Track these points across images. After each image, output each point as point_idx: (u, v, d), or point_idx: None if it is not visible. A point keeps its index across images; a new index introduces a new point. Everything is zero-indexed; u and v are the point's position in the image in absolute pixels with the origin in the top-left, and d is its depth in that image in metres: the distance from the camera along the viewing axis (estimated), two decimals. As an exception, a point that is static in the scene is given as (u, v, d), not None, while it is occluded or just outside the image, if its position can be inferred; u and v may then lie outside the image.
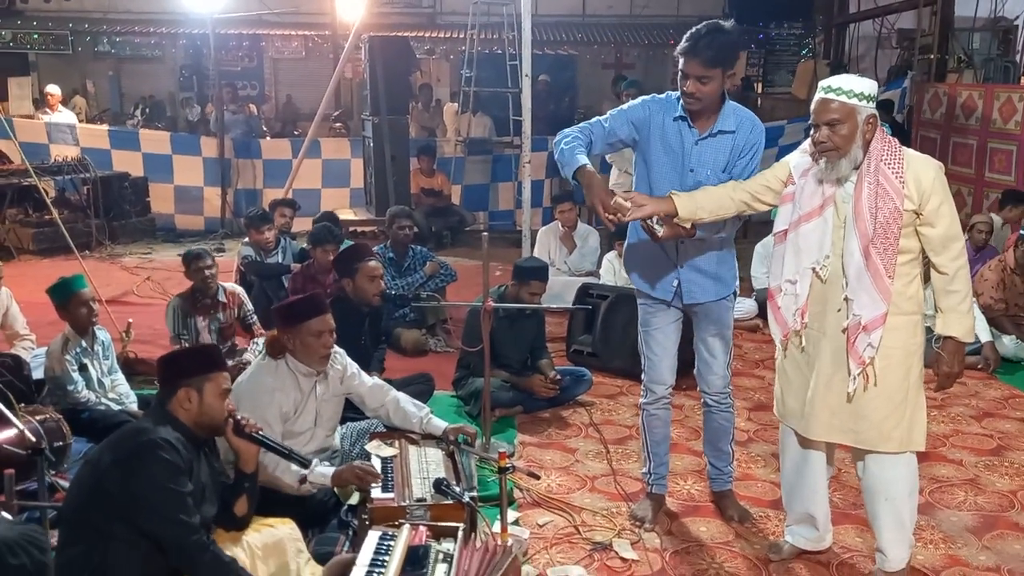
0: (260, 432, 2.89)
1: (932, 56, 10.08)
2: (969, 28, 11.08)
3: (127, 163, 9.76)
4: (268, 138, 11.99)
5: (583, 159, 3.19)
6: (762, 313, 6.38)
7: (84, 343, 4.26)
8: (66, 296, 4.24)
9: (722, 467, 3.65)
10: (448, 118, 12.45)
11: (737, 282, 3.57)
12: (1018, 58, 10.35)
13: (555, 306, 5.55)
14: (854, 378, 2.88)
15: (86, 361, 4.27)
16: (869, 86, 2.82)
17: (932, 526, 3.55)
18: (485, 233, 4.17)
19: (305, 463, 3.03)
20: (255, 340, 5.22)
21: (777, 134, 10.32)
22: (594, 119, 3.44)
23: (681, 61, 3.15)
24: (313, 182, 9.79)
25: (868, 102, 2.80)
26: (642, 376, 3.59)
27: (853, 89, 2.80)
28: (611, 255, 6.43)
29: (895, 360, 2.88)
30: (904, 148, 2.87)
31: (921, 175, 2.80)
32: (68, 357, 4.15)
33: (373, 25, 11.52)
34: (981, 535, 3.49)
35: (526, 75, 6.26)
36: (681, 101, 3.23)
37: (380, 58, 8.75)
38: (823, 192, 2.91)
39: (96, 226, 8.93)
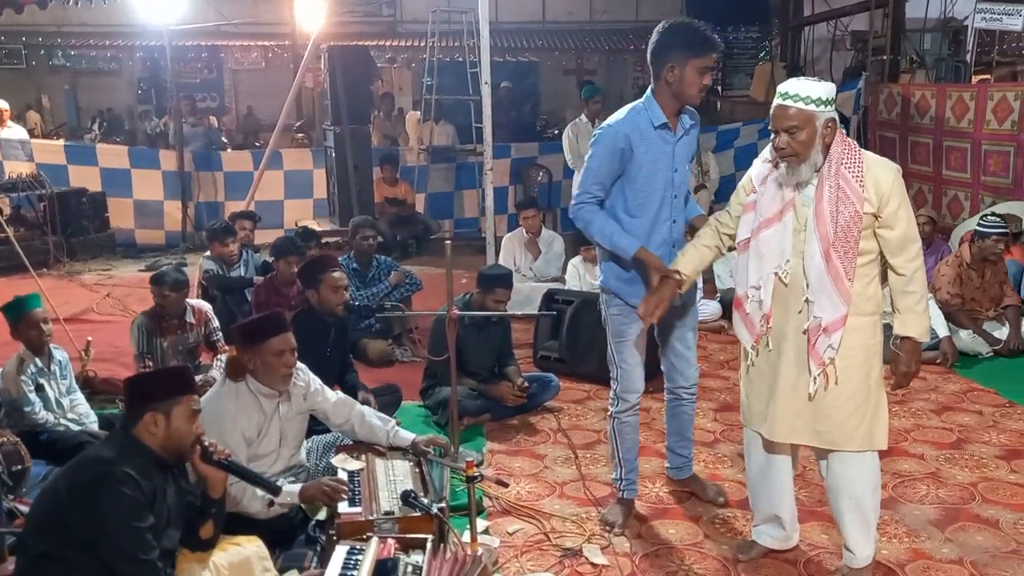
0: (229, 458, 2.83)
1: (885, 57, 10.27)
2: (920, 29, 11.31)
3: (84, 178, 9.60)
4: (229, 150, 11.87)
5: (631, 239, 3.28)
6: (727, 314, 6.45)
7: (40, 363, 4.18)
8: (18, 316, 4.16)
9: (687, 454, 3.80)
10: (411, 126, 12.44)
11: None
12: (968, 58, 10.56)
13: (521, 312, 5.55)
14: (815, 379, 2.92)
15: (42, 381, 4.19)
16: (826, 90, 2.85)
17: (896, 520, 3.60)
18: (448, 241, 4.16)
19: (275, 490, 2.98)
20: (219, 357, 5.15)
21: (733, 136, 10.47)
22: (584, 174, 3.45)
23: (700, 61, 3.21)
24: (275, 194, 9.72)
25: (826, 107, 2.83)
26: (613, 385, 3.59)
27: (811, 95, 2.81)
28: (576, 260, 6.46)
29: (856, 360, 2.92)
30: (863, 151, 2.92)
31: (880, 178, 2.85)
32: (24, 378, 4.07)
33: (333, 35, 11.48)
34: (944, 528, 3.55)
35: (485, 82, 6.28)
36: (651, 110, 3.31)
37: (340, 67, 8.72)
38: (783, 197, 2.94)
39: (53, 243, 8.78)
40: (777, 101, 2.88)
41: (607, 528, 3.53)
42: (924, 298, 2.95)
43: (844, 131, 2.98)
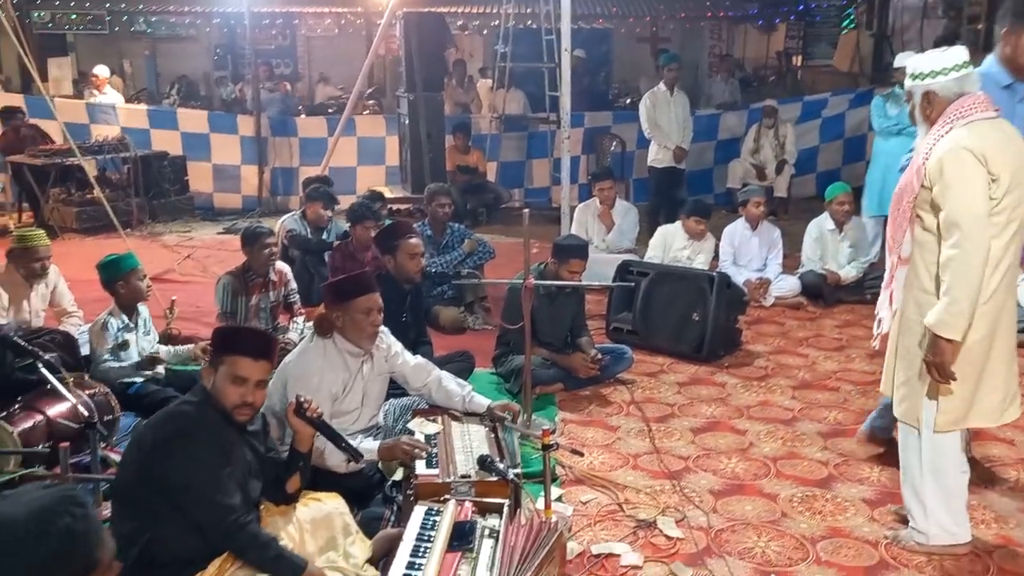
0: (319, 416, 2.88)
1: (980, 26, 9.79)
2: (1019, -4, 10.74)
3: (166, 142, 9.85)
4: (303, 116, 12.02)
5: None
6: (805, 291, 6.31)
7: (126, 319, 4.31)
8: (117, 273, 4.28)
9: None
10: (483, 94, 12.37)
11: None
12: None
13: (596, 283, 5.51)
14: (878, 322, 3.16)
15: (127, 337, 4.32)
16: (921, 64, 2.90)
17: (984, 506, 3.47)
18: (526, 211, 4.14)
19: (358, 456, 3.02)
20: (295, 319, 5.25)
21: (820, 106, 10.15)
22: None
23: None
24: (349, 160, 9.81)
25: (921, 80, 2.89)
26: None
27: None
28: (670, 228, 6.34)
29: (913, 334, 2.98)
30: (956, 129, 2.83)
31: (942, 157, 2.80)
32: (106, 334, 4.20)
33: (407, 1, 11.45)
34: (1034, 516, 3.42)
35: (565, 49, 6.19)
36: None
37: (415, 34, 8.72)
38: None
39: (137, 205, 9.04)
40: None
41: None
42: (952, 289, 2.78)
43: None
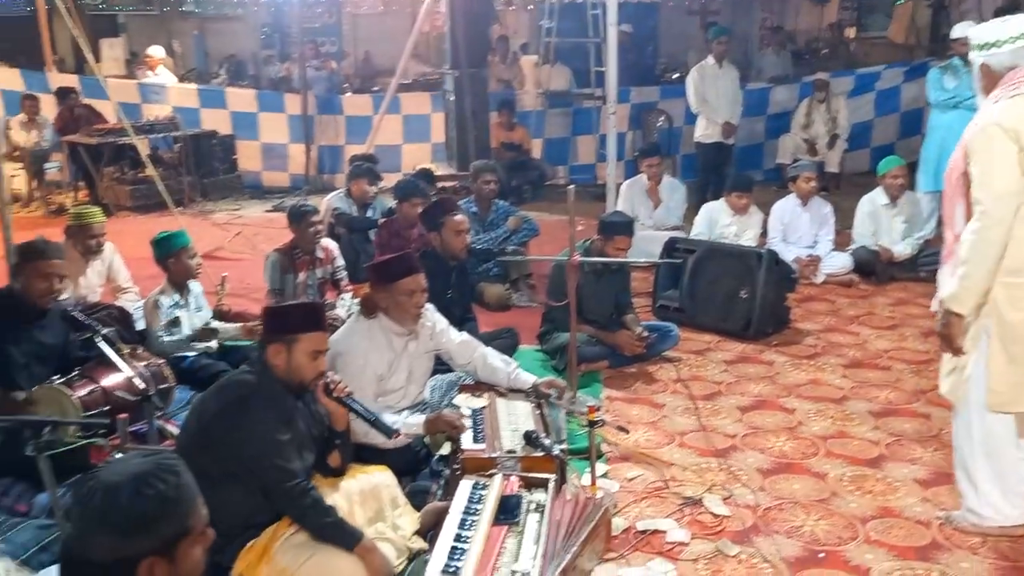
0: (349, 396, 2.91)
1: (1044, -6, 9.42)
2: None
3: (215, 121, 9.98)
4: (349, 94, 12.08)
5: None
6: (857, 268, 6.19)
7: (177, 296, 4.40)
8: (169, 250, 4.37)
9: None
10: (527, 70, 12.29)
11: None
12: None
13: (642, 260, 5.46)
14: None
15: (179, 313, 4.40)
16: (980, 35, 2.87)
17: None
18: (571, 187, 4.12)
19: (389, 432, 3.04)
20: (342, 296, 5.31)
21: (873, 79, 9.89)
22: None
23: None
24: (394, 138, 9.84)
25: (979, 51, 2.88)
26: None
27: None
28: (715, 205, 6.25)
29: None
30: (998, 104, 2.77)
31: (975, 132, 2.78)
32: (159, 311, 4.29)
33: (452, -23, 11.40)
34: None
35: (611, 24, 6.11)
36: None
37: (461, 10, 8.68)
38: None
39: (188, 183, 9.19)
40: None
41: None
42: (966, 263, 2.77)
43: None
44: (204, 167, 9.51)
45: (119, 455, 2.62)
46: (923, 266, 6.05)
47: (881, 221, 6.24)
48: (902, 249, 6.19)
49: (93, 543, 1.58)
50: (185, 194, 9.09)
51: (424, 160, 9.60)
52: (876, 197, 6.27)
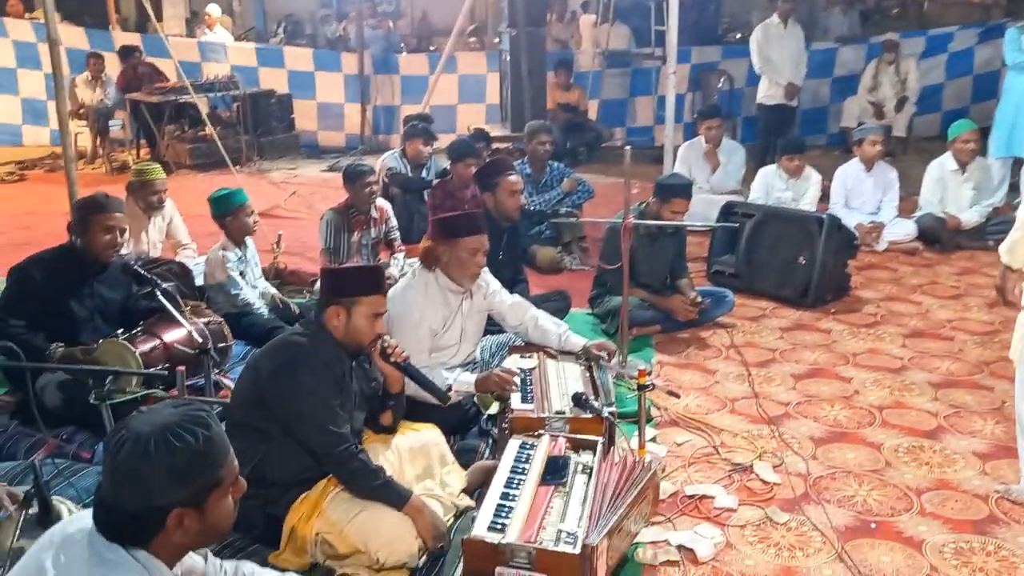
0: (405, 360, 2.92)
1: None
2: None
3: (273, 80, 10.06)
4: (404, 54, 12.05)
5: None
6: (922, 236, 6.01)
7: (239, 252, 4.47)
8: (228, 207, 4.44)
9: None
10: (585, 30, 12.10)
11: None
12: None
13: (699, 224, 5.37)
14: None
15: (242, 268, 4.49)
16: None
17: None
18: (628, 148, 4.05)
19: (444, 398, 3.06)
20: (395, 256, 5.34)
21: (946, 41, 9.50)
22: None
23: None
24: (449, 98, 9.81)
25: None
26: None
27: None
28: (769, 170, 6.12)
29: None
30: None
31: None
32: (228, 264, 4.37)
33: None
34: None
35: (673, -20, 5.96)
36: None
37: (518, -32, 8.54)
38: None
39: (245, 142, 9.30)
40: None
41: None
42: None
43: None
44: (262, 126, 9.60)
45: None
46: (991, 235, 5.83)
47: (949, 187, 6.02)
48: (969, 217, 5.97)
49: (124, 491, 1.61)
50: (243, 153, 9.21)
51: (479, 121, 9.56)
52: (945, 162, 6.04)
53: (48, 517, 2.35)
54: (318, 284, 4.10)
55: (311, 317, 2.92)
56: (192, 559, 1.89)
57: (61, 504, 2.47)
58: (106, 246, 3.63)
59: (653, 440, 3.48)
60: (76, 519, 1.75)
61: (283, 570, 2.29)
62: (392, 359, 2.88)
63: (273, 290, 4.66)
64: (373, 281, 2.82)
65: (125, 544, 1.63)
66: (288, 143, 9.95)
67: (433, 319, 3.40)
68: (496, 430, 3.43)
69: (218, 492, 1.68)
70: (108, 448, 1.64)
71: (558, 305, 4.59)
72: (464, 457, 3.23)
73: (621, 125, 9.90)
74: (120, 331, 3.54)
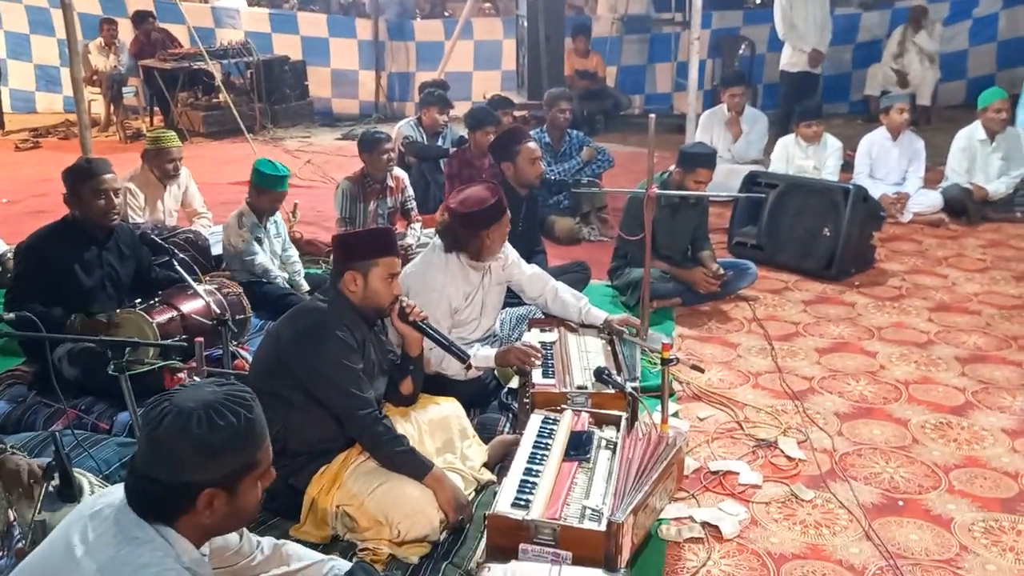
0: (425, 320, 2.89)
1: None
2: None
3: (286, 46, 9.96)
4: (418, 19, 11.89)
5: None
6: (948, 207, 5.90)
7: (256, 219, 4.42)
8: (273, 186, 4.35)
9: None
10: (603, -6, 11.88)
11: None
12: None
13: (724, 194, 5.27)
14: None
15: (260, 236, 4.43)
16: None
17: None
18: (652, 116, 3.96)
19: (464, 356, 3.01)
20: (412, 225, 5.28)
21: (971, 5, 9.27)
22: None
23: None
24: (465, 65, 9.68)
25: None
26: None
27: None
28: (788, 139, 6.02)
29: None
30: None
31: None
32: (243, 230, 4.33)
33: None
34: None
35: (695, -58, 5.80)
36: None
37: (535, -70, 8.37)
38: None
39: (259, 109, 9.22)
40: None
41: None
42: None
43: None
44: (275, 93, 9.52)
45: (194, 380, 2.67)
46: (1019, 206, 5.72)
47: (976, 157, 5.90)
48: (997, 187, 5.85)
49: (159, 464, 1.60)
50: (256, 121, 9.13)
51: (494, 88, 9.43)
52: (973, 132, 5.91)
53: (70, 490, 2.34)
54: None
55: (328, 285, 2.88)
56: (227, 536, 1.88)
57: (82, 476, 2.45)
58: (103, 211, 3.54)
59: (675, 415, 3.43)
60: (105, 494, 1.74)
61: (315, 546, 2.27)
62: (411, 318, 2.84)
63: (299, 265, 4.61)
64: (386, 243, 2.80)
65: (153, 520, 1.62)
66: (302, 110, 9.86)
67: (454, 296, 3.34)
68: (516, 404, 3.39)
69: (251, 477, 1.67)
70: (147, 420, 1.62)
71: (577, 277, 4.53)
72: (484, 431, 3.20)
73: (639, 92, 9.76)
74: (138, 301, 3.51)
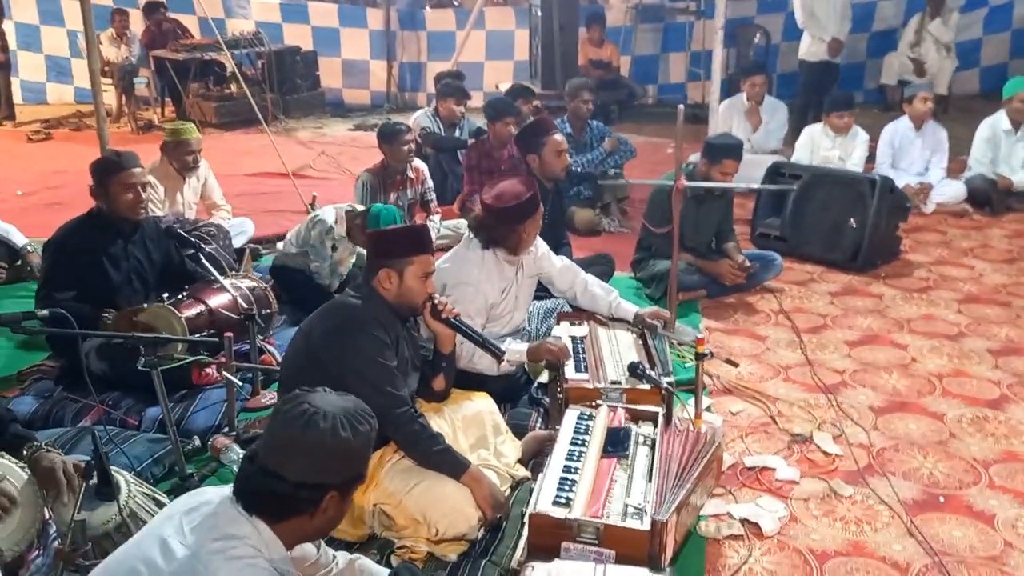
0: (457, 317, 2.86)
1: None
2: None
3: (297, 36, 9.88)
4: (429, 8, 11.80)
5: None
6: (971, 197, 5.84)
7: (342, 233, 4.29)
8: (375, 223, 3.86)
9: None
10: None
11: None
12: None
13: (752, 186, 5.21)
14: None
15: (334, 243, 4.32)
16: None
17: None
18: (680, 107, 3.91)
19: (498, 353, 2.98)
20: (431, 217, 5.24)
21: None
22: None
23: None
24: (476, 55, 9.60)
25: None
26: None
27: None
28: (815, 128, 5.95)
29: None
30: None
31: None
32: (327, 236, 4.22)
33: None
34: None
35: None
36: None
37: (548, -82, 8.28)
38: None
39: (271, 100, 9.15)
40: None
41: None
42: None
43: None
44: (287, 84, 9.44)
45: (224, 375, 2.63)
46: (1044, 196, 5.66)
47: (1001, 147, 5.83)
48: (1022, 178, 5.79)
49: (296, 462, 1.64)
50: (268, 111, 9.05)
51: (506, 78, 9.36)
52: (997, 121, 5.85)
53: (108, 488, 2.31)
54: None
55: (362, 282, 2.84)
56: (305, 547, 1.91)
57: (118, 475, 2.42)
58: (131, 205, 3.50)
59: (708, 409, 3.39)
60: (198, 494, 1.79)
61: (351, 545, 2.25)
62: (443, 315, 2.81)
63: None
64: (421, 241, 2.77)
65: (260, 515, 1.67)
66: (313, 101, 9.79)
67: (490, 293, 3.30)
68: (547, 399, 3.36)
69: (356, 487, 1.74)
70: (289, 419, 1.67)
71: (602, 269, 4.47)
72: (515, 427, 3.16)
73: (652, 82, 9.67)
74: (166, 296, 3.47)
